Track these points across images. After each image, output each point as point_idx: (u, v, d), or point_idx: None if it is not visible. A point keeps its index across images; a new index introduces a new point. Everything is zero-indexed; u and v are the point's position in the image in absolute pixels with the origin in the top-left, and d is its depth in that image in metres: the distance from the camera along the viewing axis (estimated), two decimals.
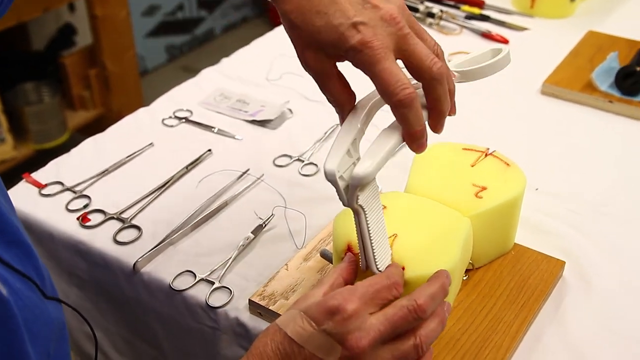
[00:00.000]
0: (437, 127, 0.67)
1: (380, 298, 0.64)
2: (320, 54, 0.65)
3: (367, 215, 0.67)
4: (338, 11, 0.62)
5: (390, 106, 0.63)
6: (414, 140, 0.65)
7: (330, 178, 0.64)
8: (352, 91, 0.68)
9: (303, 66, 0.67)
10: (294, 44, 0.67)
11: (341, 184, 0.64)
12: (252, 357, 0.63)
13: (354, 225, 0.69)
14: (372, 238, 0.68)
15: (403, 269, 0.70)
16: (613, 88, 1.22)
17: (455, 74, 0.70)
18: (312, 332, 0.61)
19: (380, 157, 0.64)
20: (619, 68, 1.22)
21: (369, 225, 0.67)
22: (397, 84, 0.61)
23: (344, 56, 0.63)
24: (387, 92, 0.62)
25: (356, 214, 0.67)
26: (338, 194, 0.65)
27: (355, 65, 0.63)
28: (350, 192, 0.64)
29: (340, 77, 0.67)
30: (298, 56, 0.67)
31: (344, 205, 0.66)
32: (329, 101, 0.68)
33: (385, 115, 0.67)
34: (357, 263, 0.71)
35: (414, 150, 0.66)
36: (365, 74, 0.63)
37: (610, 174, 1.06)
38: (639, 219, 0.97)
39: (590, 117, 1.20)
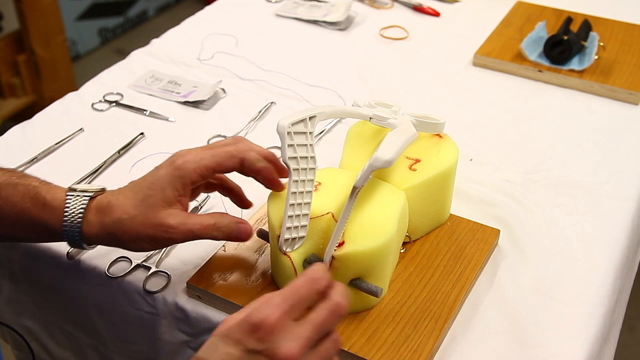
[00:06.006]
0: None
1: (302, 301, 0.60)
2: None
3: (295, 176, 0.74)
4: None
5: None
6: None
7: (280, 130, 0.72)
8: None
9: None
10: None
11: (288, 140, 0.73)
12: None
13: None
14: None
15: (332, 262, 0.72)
16: (542, 57, 1.24)
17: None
18: (239, 356, 0.58)
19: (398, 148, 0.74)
20: (547, 37, 1.24)
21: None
22: None
23: None
24: None
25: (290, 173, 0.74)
26: (282, 149, 0.73)
27: None
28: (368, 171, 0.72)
29: None
30: None
31: (283, 160, 0.73)
32: None
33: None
34: None
35: None
36: None
37: (541, 142, 1.08)
38: (569, 184, 0.99)
39: (521, 86, 1.22)
